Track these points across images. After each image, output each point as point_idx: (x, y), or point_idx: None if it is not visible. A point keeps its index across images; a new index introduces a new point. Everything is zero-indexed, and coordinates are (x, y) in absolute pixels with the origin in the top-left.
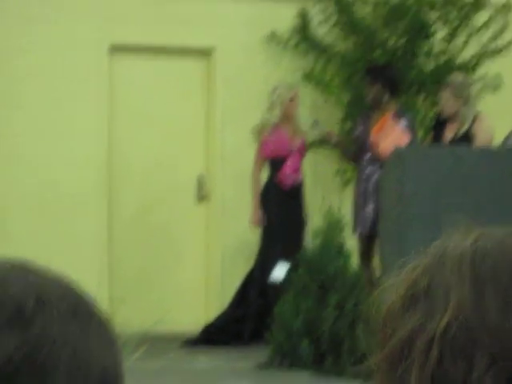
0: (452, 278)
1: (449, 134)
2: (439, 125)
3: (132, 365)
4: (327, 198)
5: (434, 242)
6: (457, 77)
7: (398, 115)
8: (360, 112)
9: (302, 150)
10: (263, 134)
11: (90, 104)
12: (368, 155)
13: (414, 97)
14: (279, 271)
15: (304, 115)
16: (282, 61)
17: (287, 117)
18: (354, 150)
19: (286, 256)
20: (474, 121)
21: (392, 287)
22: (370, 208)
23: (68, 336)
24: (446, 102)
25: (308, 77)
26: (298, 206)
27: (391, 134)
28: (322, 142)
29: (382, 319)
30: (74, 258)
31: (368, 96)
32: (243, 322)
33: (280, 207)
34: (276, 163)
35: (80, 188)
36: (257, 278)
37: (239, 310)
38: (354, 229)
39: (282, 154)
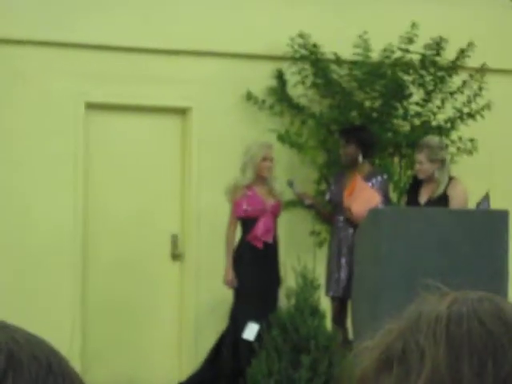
0: (427, 342)
1: (424, 195)
2: (415, 186)
3: None
4: (302, 257)
5: (409, 306)
6: (432, 139)
7: (372, 176)
8: (334, 173)
9: (276, 211)
10: (236, 194)
11: (65, 160)
12: (342, 217)
13: (389, 158)
14: (249, 332)
15: (279, 175)
16: (258, 121)
17: (260, 177)
18: (327, 211)
19: (258, 316)
20: (449, 183)
21: (366, 350)
22: (343, 270)
23: None
24: (422, 164)
25: (283, 137)
26: (270, 266)
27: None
28: (298, 202)
29: (357, 381)
30: (46, 311)
31: (342, 156)
32: (216, 382)
33: (252, 267)
34: (248, 223)
35: (54, 240)
36: (229, 339)
37: (212, 369)
38: (327, 290)
39: (255, 214)
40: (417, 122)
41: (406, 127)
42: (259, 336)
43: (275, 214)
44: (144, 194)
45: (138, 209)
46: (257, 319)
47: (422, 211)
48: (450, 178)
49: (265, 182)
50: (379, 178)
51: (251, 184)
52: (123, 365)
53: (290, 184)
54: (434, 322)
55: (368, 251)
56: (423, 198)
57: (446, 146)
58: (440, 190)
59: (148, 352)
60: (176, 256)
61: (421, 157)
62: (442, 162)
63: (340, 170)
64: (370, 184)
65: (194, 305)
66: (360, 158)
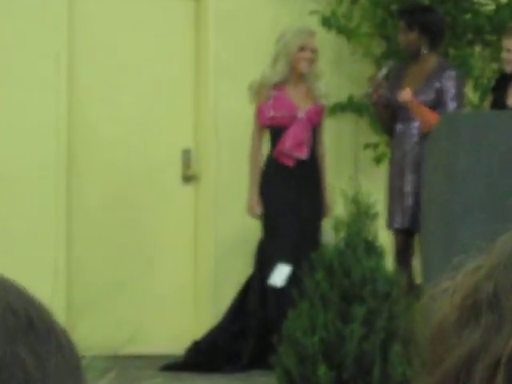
0: None
1: None
2: (502, 84)
3: None
4: (354, 178)
5: (501, 236)
6: None
7: (439, 71)
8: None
9: (314, 118)
10: (262, 94)
11: (44, 54)
12: (402, 125)
13: (467, 47)
14: (277, 276)
15: (323, 71)
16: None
17: (295, 73)
18: (385, 116)
19: (292, 255)
20: None
21: (444, 294)
22: (408, 196)
23: (17, 359)
24: (510, 53)
25: (328, 21)
26: (306, 190)
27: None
28: (348, 105)
29: (431, 337)
30: (23, 256)
31: (402, 45)
32: (242, 339)
33: (282, 191)
34: (276, 134)
35: (31, 166)
36: (257, 284)
37: (237, 323)
38: (389, 221)
39: (283, 121)
40: None
41: (489, 6)
42: (297, 280)
43: (313, 122)
44: (146, 98)
45: (137, 118)
46: (289, 259)
47: (510, 115)
48: None
49: (302, 80)
50: (449, 73)
51: (283, 82)
52: (120, 321)
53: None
54: None
55: (441, 167)
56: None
57: None
58: None
59: (152, 303)
60: (188, 178)
61: (509, 43)
62: None
63: (399, 63)
64: (437, 83)
65: (211, 241)
66: (424, 48)
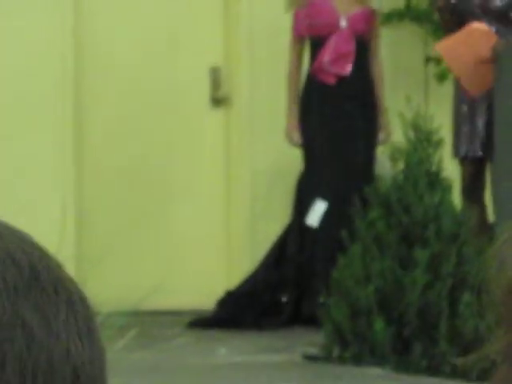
0: None
1: None
2: None
3: (117, 357)
4: (413, 98)
5: None
6: None
7: None
8: None
9: (359, 26)
10: (300, 2)
11: None
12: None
13: None
14: (315, 215)
15: None
16: None
17: None
18: (452, 25)
19: (330, 189)
20: None
21: None
22: (479, 119)
23: (19, 318)
24: None
25: None
26: (355, 112)
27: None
28: (406, 13)
29: (507, 287)
30: (25, 198)
31: None
32: (283, 289)
33: (322, 115)
34: (315, 46)
35: (32, 94)
36: (295, 225)
37: (277, 271)
38: (456, 149)
39: (323, 31)
40: None
41: None
42: (346, 221)
43: (358, 31)
44: (167, 6)
45: (157, 30)
46: (327, 193)
47: None
48: None
49: None
50: None
51: None
52: (141, 270)
53: None
54: None
55: None
56: None
57: None
58: None
59: (179, 250)
60: (218, 100)
61: None
62: None
63: None
64: None
65: (246, 175)
66: None
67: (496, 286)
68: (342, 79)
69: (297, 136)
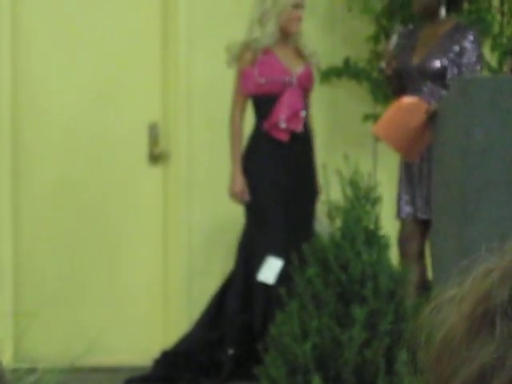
0: None
1: None
2: None
3: None
4: (352, 156)
5: None
6: None
7: (456, 32)
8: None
9: (306, 83)
10: (245, 59)
11: None
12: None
13: (483, 2)
14: (268, 271)
15: (315, 31)
16: None
17: (285, 33)
18: (392, 86)
19: (282, 247)
20: None
21: (451, 304)
22: (422, 177)
23: None
24: None
25: None
26: (301, 169)
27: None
28: (344, 69)
29: (436, 353)
30: None
31: (414, 3)
32: (221, 348)
33: (273, 171)
34: (264, 104)
35: None
36: (238, 282)
37: (215, 329)
38: (399, 208)
39: (274, 89)
40: None
41: None
42: (286, 277)
43: (305, 88)
44: (107, 63)
45: (97, 86)
46: (280, 252)
47: None
48: None
49: (288, 41)
50: (468, 35)
51: (271, 44)
52: (78, 326)
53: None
54: None
55: (454, 143)
56: None
57: None
58: None
59: (116, 306)
60: (156, 157)
61: None
62: None
63: (410, 25)
64: (454, 47)
65: (184, 231)
66: (443, 11)
67: (425, 354)
68: (293, 136)
69: (246, 193)
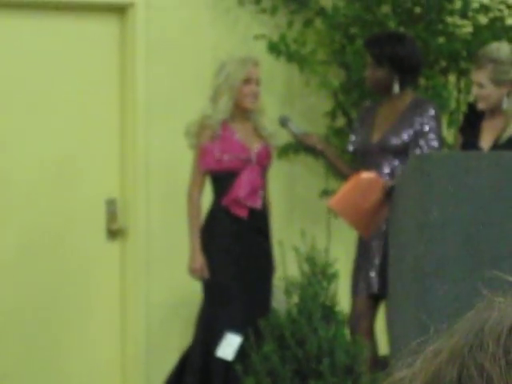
0: (495, 367)
1: (487, 136)
2: (473, 121)
3: None
4: (309, 232)
5: (465, 314)
6: (501, 48)
7: (415, 108)
8: (357, 102)
9: (265, 161)
10: (203, 135)
11: None
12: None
13: (441, 76)
14: (226, 348)
15: (272, 106)
16: (236, 21)
17: (241, 108)
18: (349, 164)
19: (241, 323)
20: None
21: (404, 382)
22: (377, 254)
23: None
24: (482, 87)
25: (277, 47)
26: (260, 245)
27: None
28: (300, 146)
29: None
30: None
31: (368, 81)
32: None
33: (231, 247)
34: (223, 180)
35: None
36: (196, 358)
37: None
38: (355, 287)
39: (234, 166)
40: (483, 19)
41: (466, 28)
42: (243, 353)
43: (263, 165)
44: (63, 138)
45: (53, 161)
46: (239, 328)
47: (492, 158)
48: None
49: (247, 117)
50: (427, 110)
51: (227, 120)
52: None
53: (284, 121)
54: (505, 336)
55: (411, 218)
56: (486, 139)
57: None
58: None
59: (74, 381)
60: (114, 232)
61: (480, 76)
62: None
63: (368, 104)
64: (414, 123)
65: (142, 307)
66: (396, 87)
67: None
68: (252, 212)
69: (205, 270)
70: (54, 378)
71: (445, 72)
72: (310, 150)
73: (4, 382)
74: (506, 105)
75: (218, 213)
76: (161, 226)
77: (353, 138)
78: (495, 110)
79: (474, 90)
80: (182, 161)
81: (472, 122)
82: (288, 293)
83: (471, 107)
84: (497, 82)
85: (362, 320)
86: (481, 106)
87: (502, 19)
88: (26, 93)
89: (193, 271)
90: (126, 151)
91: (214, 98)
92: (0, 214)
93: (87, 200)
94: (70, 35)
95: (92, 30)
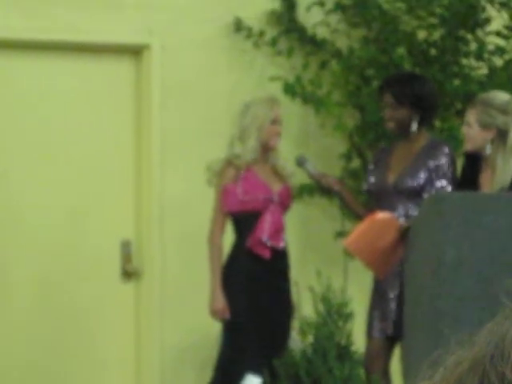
0: None
1: (486, 184)
2: (471, 165)
3: None
4: (324, 272)
5: (484, 327)
6: (497, 96)
7: (431, 149)
8: (372, 144)
9: (286, 201)
10: (227, 176)
11: None
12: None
13: (456, 118)
14: None
15: (287, 147)
16: (252, 63)
17: (266, 149)
18: (365, 204)
19: (262, 364)
20: None
21: None
22: (393, 297)
23: None
24: (469, 127)
25: (292, 88)
26: (281, 286)
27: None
28: (316, 187)
29: None
30: None
31: (387, 122)
32: None
33: (254, 288)
34: (247, 221)
35: None
36: None
37: None
38: (369, 327)
39: (257, 206)
40: (498, 61)
41: (481, 70)
42: None
43: (285, 206)
44: (78, 181)
45: (69, 203)
46: (258, 369)
47: (508, 198)
48: None
49: (266, 158)
50: (443, 150)
51: (253, 161)
52: None
53: (301, 162)
54: None
55: (426, 259)
56: (484, 189)
57: None
58: (504, 181)
59: None
60: (129, 274)
61: (470, 115)
62: (501, 133)
63: (383, 146)
64: (429, 163)
65: (156, 349)
66: (414, 126)
67: None
68: (275, 252)
69: (226, 311)
70: None
71: (460, 114)
72: (327, 191)
73: None
74: (488, 151)
75: (240, 253)
76: (175, 267)
77: (368, 178)
78: (487, 159)
79: (463, 129)
80: (196, 203)
81: (471, 167)
82: (303, 332)
83: (468, 158)
84: (483, 125)
85: (376, 361)
86: (467, 146)
87: None
88: (40, 134)
89: (214, 312)
90: (140, 193)
91: (242, 139)
92: (15, 258)
93: (102, 241)
94: (85, 76)
95: (107, 71)
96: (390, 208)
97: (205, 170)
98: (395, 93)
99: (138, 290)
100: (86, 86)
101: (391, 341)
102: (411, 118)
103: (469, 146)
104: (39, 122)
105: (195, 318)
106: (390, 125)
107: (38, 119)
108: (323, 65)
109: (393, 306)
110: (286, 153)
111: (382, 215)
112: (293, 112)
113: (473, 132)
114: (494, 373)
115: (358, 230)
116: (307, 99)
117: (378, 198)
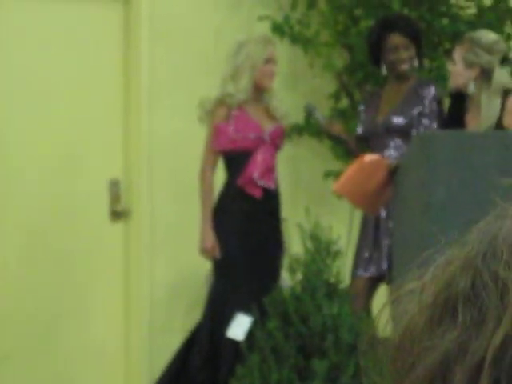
0: (510, 274)
1: (472, 121)
2: (457, 104)
3: None
4: (313, 211)
5: (476, 226)
6: (486, 34)
7: (419, 88)
8: (361, 83)
9: (278, 141)
10: (218, 114)
11: None
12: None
13: (443, 59)
14: (237, 328)
15: (275, 87)
16: (240, 2)
17: (260, 89)
18: (355, 150)
19: (252, 303)
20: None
21: (411, 296)
22: (383, 239)
23: None
24: (454, 64)
25: (281, 28)
26: (271, 226)
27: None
28: (304, 127)
29: (399, 341)
30: None
31: (404, 65)
32: None
33: (245, 227)
34: (237, 160)
35: None
36: (205, 338)
37: None
38: (356, 266)
39: (248, 145)
40: (487, 0)
41: (470, 9)
42: (248, 334)
43: (277, 145)
44: (66, 119)
45: (57, 143)
46: (249, 308)
47: (499, 136)
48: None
49: (260, 98)
50: (430, 90)
51: (245, 100)
52: (37, 379)
53: (310, 110)
54: None
55: (414, 199)
56: (470, 128)
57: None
58: (489, 120)
59: (77, 364)
60: (117, 214)
61: (456, 52)
62: (485, 72)
63: (372, 89)
64: (417, 102)
65: (145, 288)
66: (416, 62)
67: (385, 347)
68: (266, 192)
69: (216, 250)
70: (55, 357)
71: (448, 53)
72: (335, 138)
73: (5, 362)
74: (471, 89)
75: (231, 192)
76: (165, 206)
77: (359, 122)
78: (474, 102)
79: (448, 65)
80: (185, 142)
81: (457, 104)
82: (292, 270)
83: (454, 98)
84: (467, 63)
85: (358, 299)
86: (450, 83)
87: (506, 1)
88: (30, 79)
89: (204, 251)
90: (129, 131)
91: (235, 78)
92: (6, 198)
93: (90, 181)
94: (74, 17)
95: (96, 14)
96: (382, 146)
97: (197, 108)
98: (409, 32)
99: (128, 230)
100: (76, 29)
101: (374, 280)
102: (414, 57)
103: (452, 84)
104: (28, 67)
105: (185, 257)
106: (405, 66)
107: (27, 64)
108: (311, 4)
109: (379, 245)
110: (275, 92)
111: (369, 157)
112: (281, 52)
113: (457, 69)
114: (487, 271)
115: (347, 174)
116: (296, 39)
117: (370, 140)
